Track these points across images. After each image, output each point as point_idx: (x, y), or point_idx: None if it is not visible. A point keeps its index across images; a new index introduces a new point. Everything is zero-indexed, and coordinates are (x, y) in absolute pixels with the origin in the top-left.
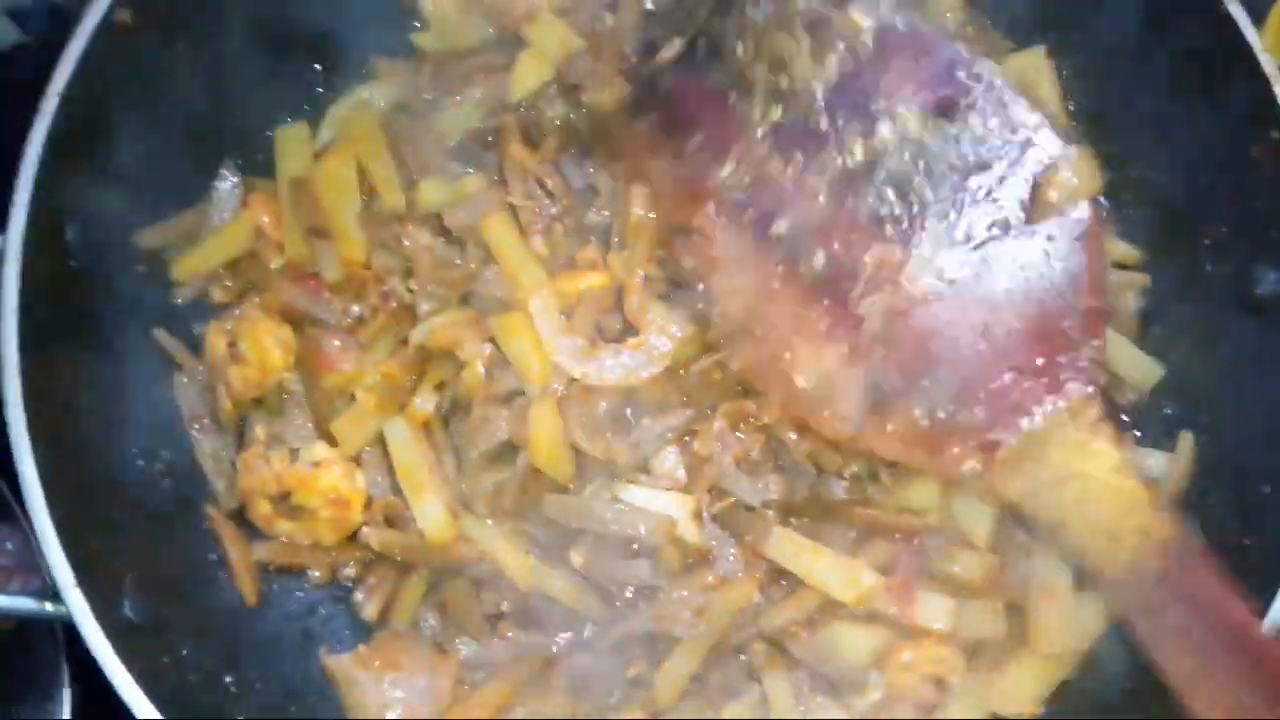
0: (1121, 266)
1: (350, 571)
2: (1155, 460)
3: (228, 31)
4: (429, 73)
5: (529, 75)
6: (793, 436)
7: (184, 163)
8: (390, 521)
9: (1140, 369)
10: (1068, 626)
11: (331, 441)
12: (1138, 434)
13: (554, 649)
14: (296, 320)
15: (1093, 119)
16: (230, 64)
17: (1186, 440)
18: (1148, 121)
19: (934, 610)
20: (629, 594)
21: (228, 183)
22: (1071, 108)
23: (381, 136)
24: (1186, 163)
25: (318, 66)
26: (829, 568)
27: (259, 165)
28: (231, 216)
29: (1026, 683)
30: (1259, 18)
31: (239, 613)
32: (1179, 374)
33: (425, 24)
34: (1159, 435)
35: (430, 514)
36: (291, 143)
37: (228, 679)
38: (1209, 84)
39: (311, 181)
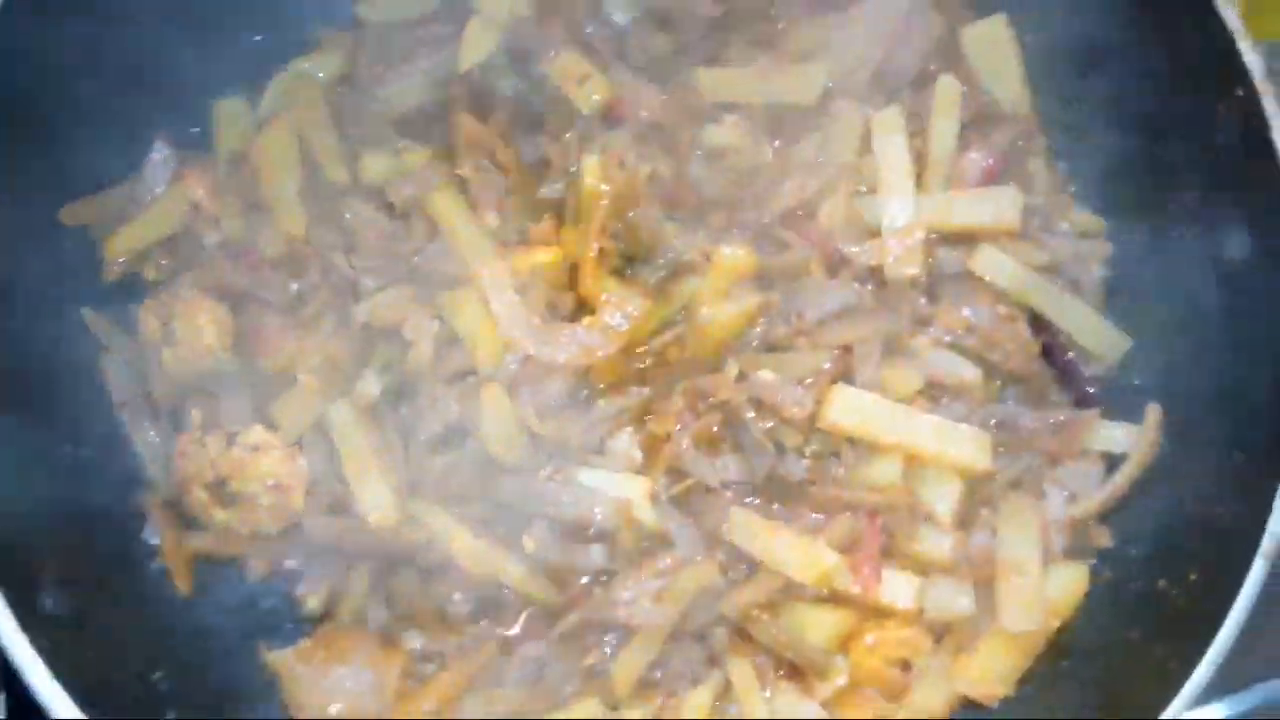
0: (1084, 236)
1: (292, 563)
2: (1122, 432)
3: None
4: (372, 44)
5: (477, 44)
6: (751, 415)
7: (113, 135)
8: (334, 509)
9: (1106, 340)
10: (1037, 604)
11: (271, 426)
12: (1105, 407)
13: (507, 639)
14: (234, 299)
15: (1051, 86)
16: (164, 32)
17: (1154, 412)
18: (1108, 84)
19: (898, 589)
20: (584, 580)
21: (161, 155)
22: (1031, 77)
23: (323, 108)
24: (1148, 125)
25: (257, 37)
26: (789, 548)
27: (194, 139)
28: (165, 190)
29: (996, 663)
30: None
31: (172, 605)
32: (1147, 344)
33: None
34: (1129, 408)
35: (374, 498)
36: (230, 115)
37: (157, 675)
38: (1170, 42)
39: (250, 154)
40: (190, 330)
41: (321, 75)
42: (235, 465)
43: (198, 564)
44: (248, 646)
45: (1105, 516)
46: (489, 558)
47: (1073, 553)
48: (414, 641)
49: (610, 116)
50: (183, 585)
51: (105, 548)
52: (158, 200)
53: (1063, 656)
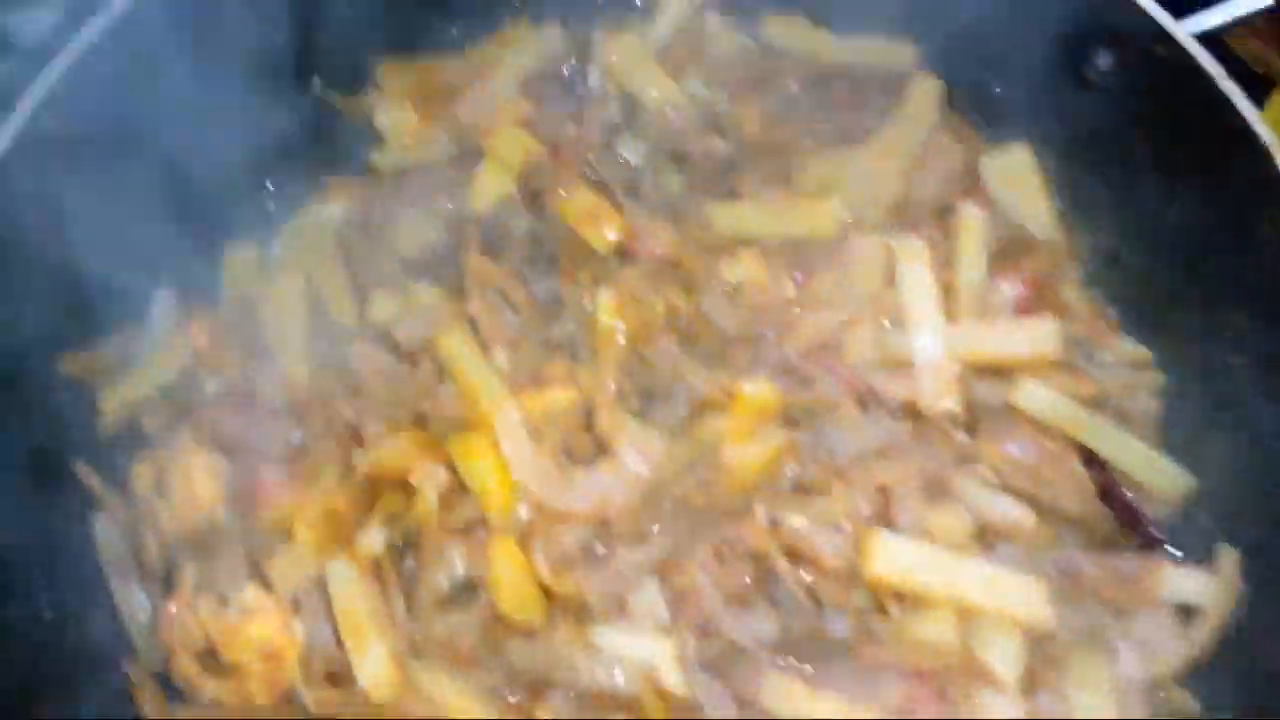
0: (1131, 367)
1: None
2: (1195, 580)
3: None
4: (385, 188)
5: (491, 185)
6: (786, 566)
7: (115, 283)
8: (331, 678)
9: (1167, 477)
10: None
11: (267, 585)
12: (1176, 553)
13: None
14: (231, 450)
15: (1083, 212)
16: (174, 179)
17: (1229, 555)
18: (1143, 211)
19: None
20: None
21: (164, 304)
22: (1059, 204)
23: (334, 251)
24: (1187, 247)
25: (268, 185)
26: (832, 715)
27: (200, 289)
28: (167, 339)
29: None
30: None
31: None
32: (1212, 480)
33: (382, 141)
34: (1199, 551)
35: (372, 666)
36: (240, 262)
37: None
38: (1206, 165)
39: (258, 300)
40: (184, 482)
41: (334, 220)
42: (226, 632)
43: None
44: None
45: (1186, 677)
46: None
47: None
48: None
49: (625, 254)
50: None
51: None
52: (160, 348)
53: None
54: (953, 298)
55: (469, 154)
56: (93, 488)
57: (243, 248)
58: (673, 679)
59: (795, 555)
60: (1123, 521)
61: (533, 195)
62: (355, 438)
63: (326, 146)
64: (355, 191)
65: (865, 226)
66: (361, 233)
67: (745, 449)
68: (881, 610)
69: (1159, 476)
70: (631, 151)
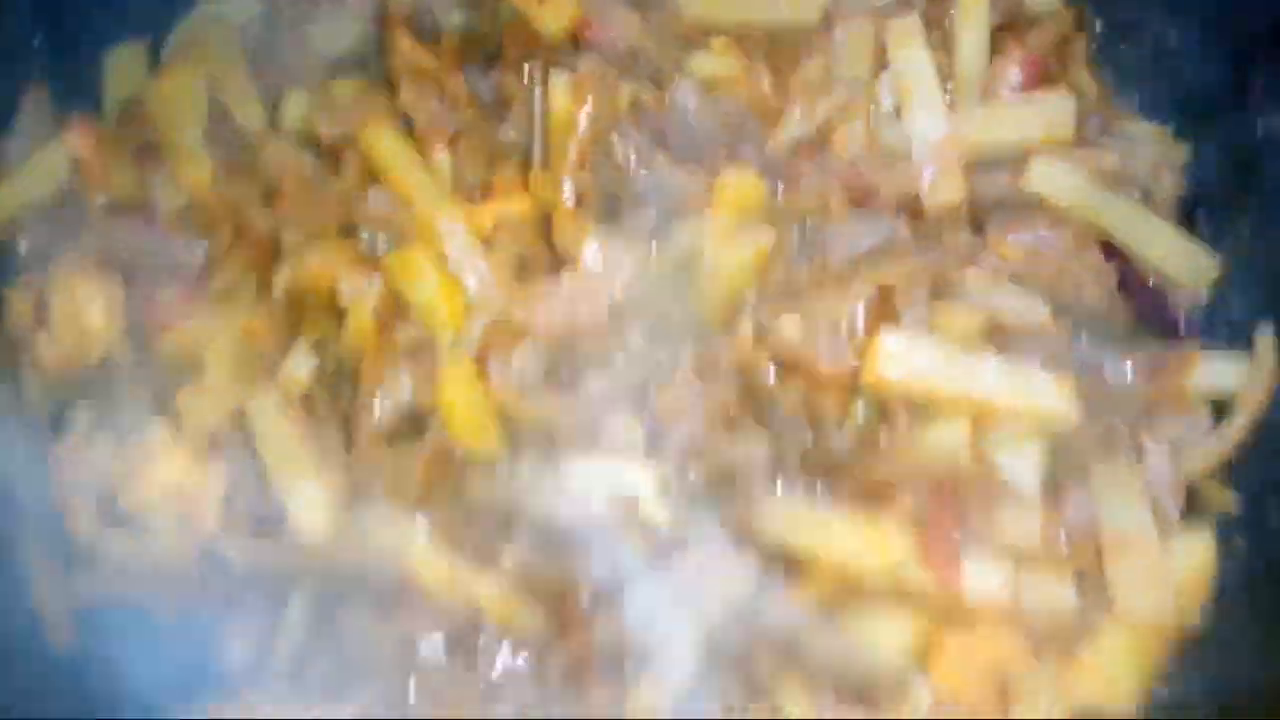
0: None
1: (209, 605)
2: (1229, 366)
3: None
4: None
5: None
6: (776, 378)
7: None
8: (257, 527)
9: (1194, 263)
10: (1159, 585)
11: (176, 425)
12: (1203, 341)
13: (488, 684)
14: (125, 270)
15: None
16: None
17: (1266, 338)
18: None
19: (985, 580)
20: (584, 601)
21: (34, 108)
22: None
23: (237, 52)
24: (1213, 10)
25: None
26: (843, 536)
27: (79, 95)
28: (40, 148)
29: (1119, 665)
30: None
31: (48, 664)
32: (1240, 263)
33: None
34: (1229, 338)
35: (306, 506)
36: (123, 63)
37: None
38: None
39: (146, 101)
40: (69, 310)
41: (235, 18)
42: (126, 470)
43: (86, 611)
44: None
45: (1224, 473)
46: (458, 577)
47: (1192, 520)
48: (367, 694)
49: (579, 44)
50: (60, 637)
51: None
52: (34, 158)
53: (1197, 646)
54: (952, 84)
55: None
56: None
57: (126, 50)
58: (655, 510)
59: (787, 367)
60: (1145, 313)
61: None
62: (272, 251)
63: None
64: None
65: (851, 10)
66: (269, 31)
67: (728, 250)
68: (886, 420)
69: (1184, 262)
70: None
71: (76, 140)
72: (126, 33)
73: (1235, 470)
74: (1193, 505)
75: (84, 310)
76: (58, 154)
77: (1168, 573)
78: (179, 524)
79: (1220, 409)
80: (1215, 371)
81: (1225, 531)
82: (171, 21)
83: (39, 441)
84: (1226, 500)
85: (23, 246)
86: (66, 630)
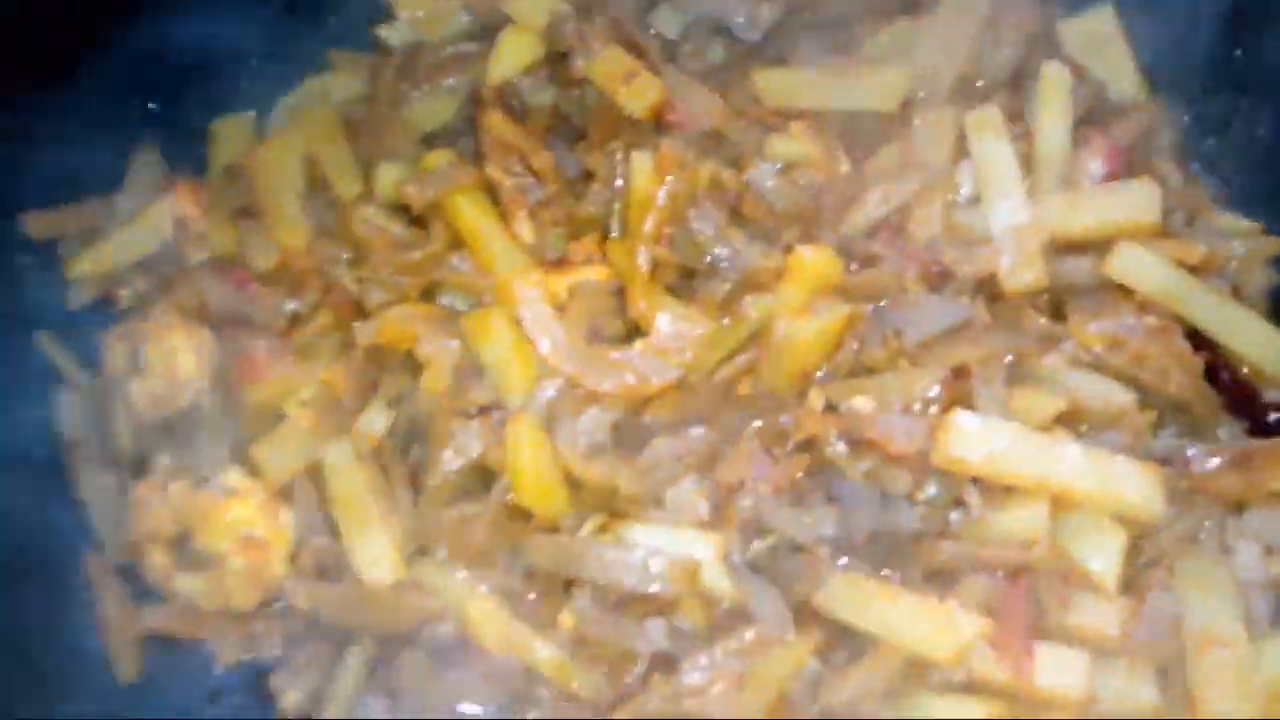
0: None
1: (270, 649)
2: None
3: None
4: (394, 67)
5: (513, 52)
6: (846, 454)
7: (98, 141)
8: (322, 573)
9: None
10: (1249, 685)
11: (254, 471)
12: None
13: None
14: (216, 322)
15: (1178, 77)
16: (173, 41)
17: None
18: (1247, 71)
19: (1061, 670)
20: (640, 667)
21: (147, 165)
22: (1149, 63)
23: (337, 125)
24: None
25: (258, 61)
26: (914, 618)
27: (187, 159)
28: (147, 205)
29: None
30: None
31: (111, 696)
32: None
33: (391, 15)
34: None
35: (372, 553)
36: (230, 131)
37: None
38: None
39: (248, 167)
40: (163, 357)
41: (336, 96)
42: (200, 512)
43: (152, 646)
44: None
45: None
46: (516, 636)
47: None
48: None
49: (662, 125)
50: (126, 670)
51: (32, 619)
52: (139, 214)
53: None
54: (1033, 171)
55: (488, 28)
56: (57, 361)
57: (233, 121)
58: (717, 579)
59: (857, 443)
60: (1234, 405)
61: (559, 62)
62: (357, 310)
63: (332, 20)
64: (360, 69)
65: (931, 99)
66: (368, 109)
67: (801, 324)
68: (958, 502)
69: (1276, 355)
70: (668, 23)
71: (181, 200)
72: (236, 103)
73: None
74: None
75: (176, 358)
76: (163, 212)
77: (1255, 675)
78: (248, 567)
79: None
80: None
81: None
82: (278, 96)
83: (123, 481)
84: None
85: (123, 299)
86: (133, 664)
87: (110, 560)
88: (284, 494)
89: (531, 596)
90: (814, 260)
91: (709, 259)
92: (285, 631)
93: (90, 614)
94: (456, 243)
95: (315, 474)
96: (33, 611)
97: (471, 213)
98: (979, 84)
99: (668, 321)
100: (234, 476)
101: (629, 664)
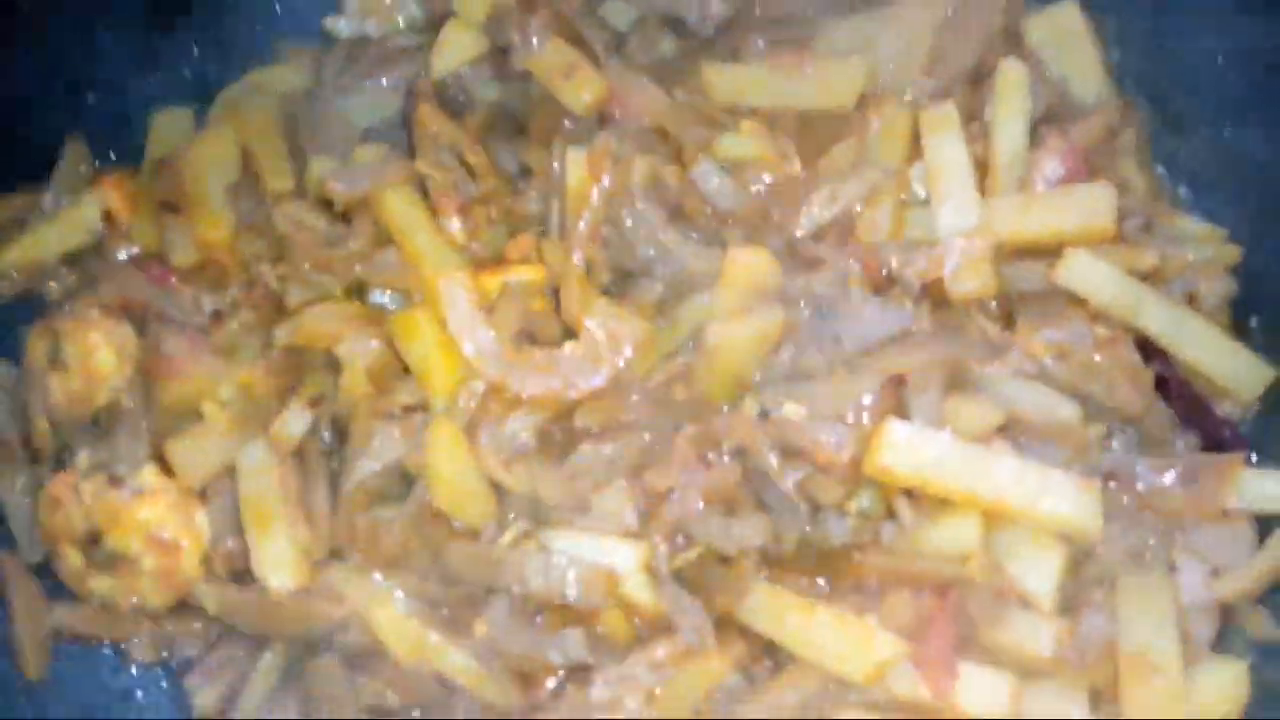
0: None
1: (185, 650)
2: (1275, 483)
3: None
4: (339, 57)
5: (454, 46)
6: (776, 463)
7: (25, 137)
8: (237, 577)
9: (1242, 370)
10: (1180, 713)
11: (169, 471)
12: (1253, 456)
13: None
14: (139, 320)
15: (1146, 77)
16: (106, 33)
17: None
18: (1218, 73)
19: (983, 693)
20: (554, 679)
21: (74, 161)
22: (1118, 61)
23: (275, 118)
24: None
25: (201, 51)
26: (831, 633)
27: (117, 154)
28: (75, 199)
29: None
30: None
31: (15, 695)
32: None
33: (339, 7)
34: (1275, 455)
35: (272, 556)
36: (169, 125)
37: None
38: None
39: (179, 160)
40: (84, 355)
41: (279, 88)
42: (109, 512)
43: (66, 647)
44: None
45: (1267, 598)
46: (427, 644)
47: (1223, 646)
48: None
49: (605, 119)
50: (30, 667)
51: None
52: (67, 208)
53: None
54: (988, 172)
55: (435, 21)
56: None
57: (174, 114)
58: (639, 589)
59: (788, 451)
60: (1187, 419)
61: (501, 55)
62: (279, 308)
63: (279, 12)
64: (307, 60)
65: (889, 96)
66: (310, 102)
67: (734, 328)
68: (890, 514)
69: (1232, 368)
70: (619, 16)
71: (109, 193)
72: (177, 97)
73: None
74: (1228, 631)
75: (95, 355)
76: (91, 206)
77: (1186, 702)
78: (160, 568)
79: (1266, 528)
80: (1263, 487)
81: (1264, 664)
82: (217, 89)
83: (40, 477)
84: (1267, 628)
85: (50, 292)
86: (41, 663)
87: (23, 558)
88: (203, 495)
89: (447, 603)
90: (749, 262)
91: (642, 259)
92: (200, 632)
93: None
94: (386, 239)
95: (232, 475)
96: None
97: (399, 208)
98: (938, 81)
99: (597, 324)
100: (147, 476)
101: (545, 674)
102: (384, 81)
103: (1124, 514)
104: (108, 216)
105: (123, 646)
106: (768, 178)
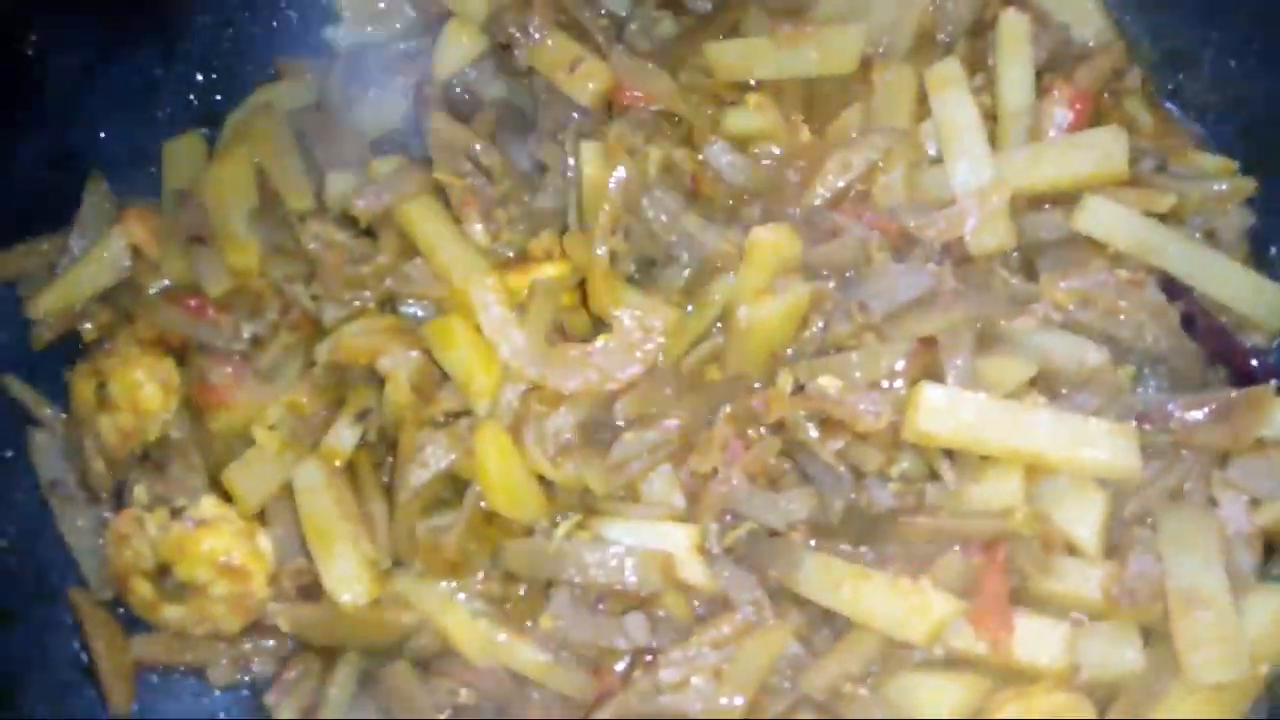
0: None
1: (262, 668)
2: None
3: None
4: (343, 68)
5: (456, 46)
6: (816, 435)
7: (45, 179)
8: (305, 593)
9: (1266, 301)
10: (1234, 645)
11: (228, 498)
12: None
13: None
14: (179, 351)
15: (1146, 14)
16: (107, 64)
17: None
18: (1218, 4)
19: (1041, 641)
20: (622, 664)
21: (96, 200)
22: (1116, 1)
23: (287, 137)
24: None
25: (204, 76)
26: (887, 599)
27: (141, 186)
28: (101, 238)
29: None
30: None
31: None
32: None
33: (337, 17)
34: None
35: (340, 573)
36: (182, 154)
37: None
38: None
39: (199, 189)
40: (128, 391)
41: (285, 105)
42: (176, 544)
43: (147, 676)
44: None
45: None
46: (496, 642)
47: (1271, 574)
48: None
49: (613, 108)
50: (120, 702)
51: (23, 659)
52: (93, 248)
53: (1276, 714)
54: (997, 124)
55: (433, 21)
56: (26, 402)
57: (184, 141)
58: (694, 570)
59: (826, 423)
60: (1215, 354)
61: (504, 52)
62: (316, 327)
63: (277, 28)
64: (310, 74)
65: (890, 57)
66: (318, 115)
67: (762, 306)
68: (932, 476)
69: (1255, 299)
70: (616, 1)
71: (133, 229)
72: (186, 123)
73: None
74: (1272, 558)
75: (140, 391)
76: (118, 243)
77: (1238, 632)
78: (231, 593)
79: None
80: None
81: None
82: (225, 114)
83: (102, 516)
84: None
85: (87, 333)
86: (127, 696)
87: (96, 595)
88: (261, 518)
89: (510, 602)
90: (772, 239)
91: (665, 246)
92: (274, 650)
93: (81, 652)
94: (412, 250)
95: (289, 495)
96: (21, 654)
97: (422, 219)
98: (939, 37)
99: (629, 315)
100: (208, 506)
101: (612, 660)
102: (389, 88)
103: (1161, 454)
104: (135, 252)
105: (202, 672)
106: (778, 150)
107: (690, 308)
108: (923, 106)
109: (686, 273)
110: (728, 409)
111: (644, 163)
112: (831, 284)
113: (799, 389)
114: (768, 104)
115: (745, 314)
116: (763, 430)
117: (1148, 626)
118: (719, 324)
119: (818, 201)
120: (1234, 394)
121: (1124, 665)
